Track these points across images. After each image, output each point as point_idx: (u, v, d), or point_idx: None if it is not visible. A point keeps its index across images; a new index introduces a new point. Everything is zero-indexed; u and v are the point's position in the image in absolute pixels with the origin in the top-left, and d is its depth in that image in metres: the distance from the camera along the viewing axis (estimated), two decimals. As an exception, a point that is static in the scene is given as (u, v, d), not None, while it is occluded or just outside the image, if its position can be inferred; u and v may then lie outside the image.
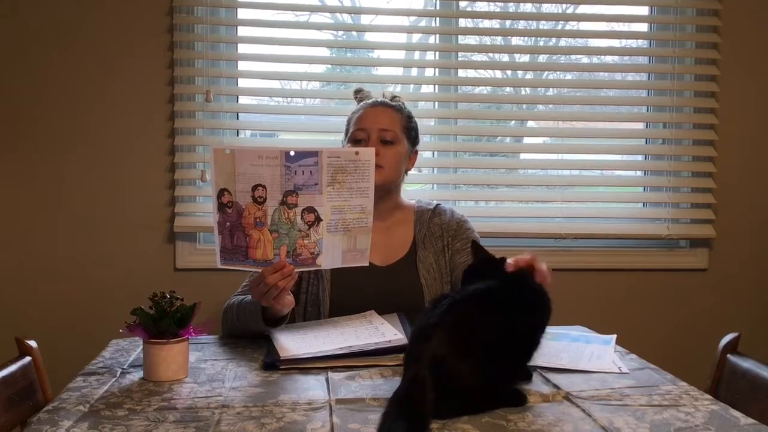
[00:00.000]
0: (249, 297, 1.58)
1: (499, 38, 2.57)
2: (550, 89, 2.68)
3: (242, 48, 2.45)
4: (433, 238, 1.79)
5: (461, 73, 2.56)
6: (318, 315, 1.71)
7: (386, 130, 1.75)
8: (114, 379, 1.31)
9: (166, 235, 2.38)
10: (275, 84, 2.59)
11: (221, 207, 1.40)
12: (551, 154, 2.69)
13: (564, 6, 2.56)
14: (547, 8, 2.53)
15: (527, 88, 2.71)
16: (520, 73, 2.80)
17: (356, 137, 1.76)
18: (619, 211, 2.64)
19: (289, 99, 2.68)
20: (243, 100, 2.49)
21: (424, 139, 2.28)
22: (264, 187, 1.38)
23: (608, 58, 2.59)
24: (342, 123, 1.86)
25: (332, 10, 2.65)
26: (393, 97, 1.85)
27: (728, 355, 1.51)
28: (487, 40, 2.57)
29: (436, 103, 2.55)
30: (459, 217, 1.83)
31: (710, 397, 1.22)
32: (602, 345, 1.51)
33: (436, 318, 1.16)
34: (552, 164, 2.64)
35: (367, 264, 1.51)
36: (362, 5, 2.60)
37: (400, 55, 2.68)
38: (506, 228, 2.44)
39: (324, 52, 2.62)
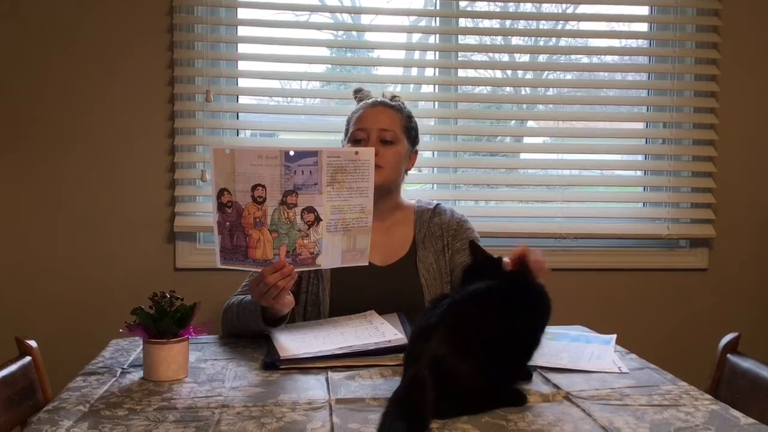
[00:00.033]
0: (249, 297, 1.58)
1: (499, 38, 2.57)
2: (550, 89, 2.68)
3: (242, 48, 2.45)
4: (433, 237, 1.79)
5: (461, 72, 2.56)
6: (318, 315, 1.71)
7: (386, 130, 1.75)
8: (114, 379, 1.31)
9: (166, 234, 2.38)
10: (275, 84, 2.59)
11: (221, 207, 1.40)
12: (551, 153, 2.69)
13: (564, 6, 2.56)
14: (547, 8, 2.53)
15: (527, 88, 2.71)
16: (520, 72, 2.80)
17: (356, 137, 1.76)
18: (619, 210, 2.64)
19: (289, 99, 2.68)
20: (243, 99, 2.49)
21: (424, 138, 2.28)
22: (264, 186, 1.38)
23: (608, 58, 2.59)
24: (342, 123, 1.86)
25: (332, 10, 2.65)
26: (393, 97, 1.85)
27: (728, 355, 1.51)
28: (487, 39, 2.58)
29: (436, 102, 2.55)
30: (459, 217, 1.83)
31: (710, 397, 1.22)
32: (602, 345, 1.51)
33: (436, 318, 1.16)
34: (552, 164, 2.64)
35: (367, 264, 1.51)
36: (362, 5, 2.60)
37: (400, 54, 2.68)
38: (506, 228, 2.44)
39: (324, 51, 2.62)
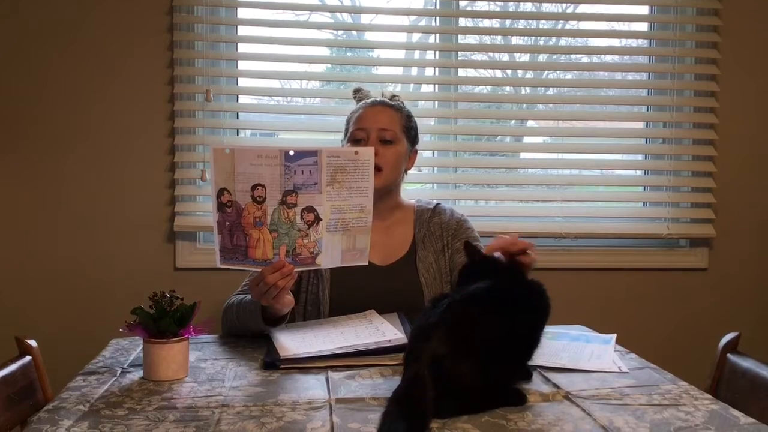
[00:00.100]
0: (249, 296, 1.58)
1: (499, 37, 2.57)
2: (550, 88, 2.68)
3: (242, 47, 2.45)
4: (433, 237, 1.79)
5: (461, 72, 2.56)
6: (318, 314, 1.71)
7: (386, 130, 1.75)
8: (114, 379, 1.31)
9: (166, 234, 2.38)
10: (275, 83, 2.59)
11: (221, 206, 1.40)
12: (551, 153, 2.69)
13: (564, 5, 2.56)
14: (547, 8, 2.53)
15: (527, 88, 2.71)
16: (520, 72, 2.80)
17: (356, 137, 1.76)
18: (619, 210, 2.64)
19: (289, 98, 2.67)
20: (243, 99, 2.49)
21: (424, 138, 2.28)
22: (263, 186, 1.38)
23: (608, 58, 2.59)
24: (342, 122, 1.86)
25: (332, 10, 2.65)
26: (392, 97, 1.85)
27: (728, 355, 1.51)
28: (487, 39, 2.57)
29: (436, 102, 2.55)
30: (459, 217, 1.83)
31: (710, 396, 1.22)
32: (602, 344, 1.51)
33: (436, 317, 1.16)
34: (552, 163, 2.64)
35: (367, 263, 1.52)
36: (362, 5, 2.60)
37: (400, 54, 2.68)
38: (506, 227, 2.44)
39: (324, 51, 2.62)
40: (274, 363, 1.37)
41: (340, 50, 2.69)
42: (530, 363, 1.27)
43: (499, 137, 2.78)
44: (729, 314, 2.52)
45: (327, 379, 1.30)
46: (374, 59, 2.64)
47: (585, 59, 2.58)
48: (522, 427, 1.08)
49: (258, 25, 2.43)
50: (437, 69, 2.56)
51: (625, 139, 2.70)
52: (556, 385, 1.26)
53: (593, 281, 2.51)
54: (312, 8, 2.58)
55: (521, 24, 2.63)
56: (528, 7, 2.54)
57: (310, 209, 1.41)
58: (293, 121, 2.59)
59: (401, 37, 2.61)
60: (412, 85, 2.62)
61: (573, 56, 2.59)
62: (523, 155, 2.76)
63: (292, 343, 1.46)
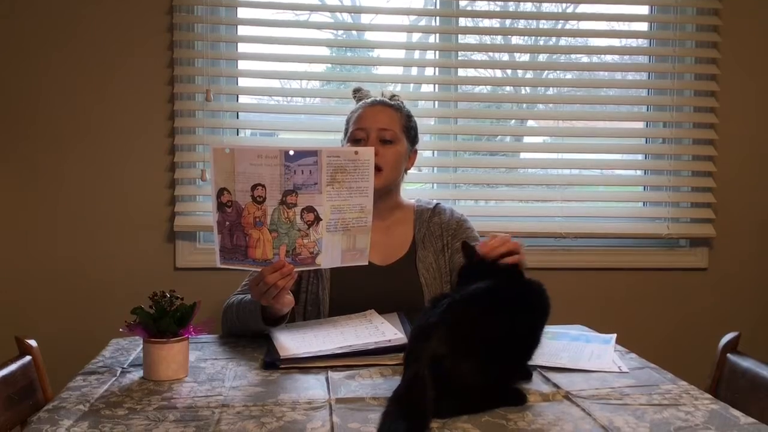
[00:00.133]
0: (248, 296, 1.58)
1: (499, 37, 2.57)
2: (550, 88, 2.68)
3: (242, 47, 2.45)
4: (433, 237, 1.79)
5: (461, 72, 2.56)
6: (318, 314, 1.71)
7: (385, 130, 1.75)
8: (114, 379, 1.31)
9: (166, 234, 2.38)
10: (275, 83, 2.59)
11: (221, 206, 1.40)
12: (551, 153, 2.69)
13: (564, 5, 2.56)
14: (547, 7, 2.53)
15: (527, 88, 2.71)
16: (520, 72, 2.80)
17: (355, 137, 1.76)
18: (619, 210, 2.64)
19: (289, 98, 2.67)
20: (243, 99, 2.49)
21: (424, 138, 2.28)
22: (263, 186, 1.38)
23: (608, 58, 2.59)
24: (342, 122, 1.86)
25: (332, 10, 2.65)
26: (392, 96, 1.85)
27: (728, 355, 1.51)
28: (487, 39, 2.57)
29: (436, 102, 2.55)
30: (459, 217, 1.83)
31: (710, 396, 1.22)
32: (602, 344, 1.51)
33: (436, 317, 1.16)
34: (552, 163, 2.64)
35: (367, 263, 1.52)
36: (362, 4, 2.60)
37: (400, 54, 2.68)
38: (506, 227, 2.44)
39: (324, 51, 2.62)
40: (274, 363, 1.37)
41: (340, 50, 2.69)
42: (530, 363, 1.27)
43: (499, 137, 2.78)
44: (729, 314, 2.53)
45: (327, 379, 1.30)
46: (374, 59, 2.64)
47: (585, 59, 2.58)
48: (522, 426, 1.08)
49: (258, 25, 2.43)
50: (437, 69, 2.56)
51: (625, 138, 2.70)
52: (556, 385, 1.26)
53: (593, 281, 2.51)
54: (312, 8, 2.58)
55: (521, 24, 2.63)
56: (528, 6, 2.54)
57: (310, 209, 1.41)
58: (293, 121, 2.59)
59: (401, 37, 2.61)
60: (412, 84, 2.62)
61: (573, 56, 2.59)
62: (523, 155, 2.76)
63: (292, 343, 1.46)
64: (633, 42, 2.69)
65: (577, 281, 2.48)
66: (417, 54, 2.73)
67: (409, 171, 1.86)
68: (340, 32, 2.70)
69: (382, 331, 1.48)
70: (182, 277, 2.37)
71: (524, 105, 2.66)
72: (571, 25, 2.69)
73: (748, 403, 1.31)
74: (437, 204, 1.86)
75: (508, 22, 2.61)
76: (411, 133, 1.82)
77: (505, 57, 2.67)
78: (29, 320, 2.33)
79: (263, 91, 2.54)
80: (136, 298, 1.37)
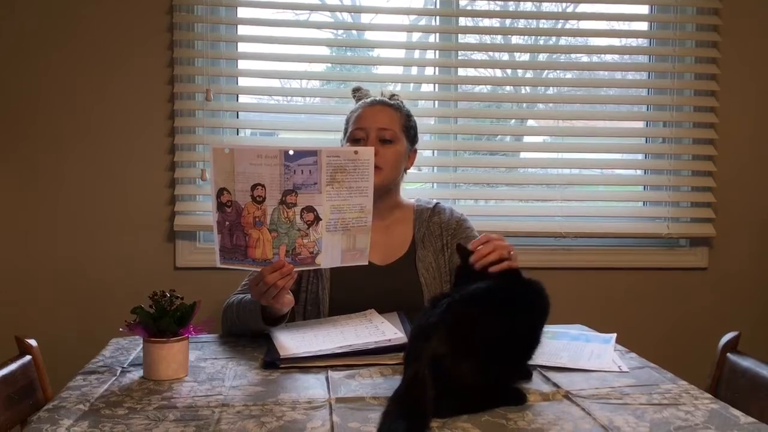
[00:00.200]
0: (248, 296, 1.58)
1: (499, 37, 2.57)
2: (550, 88, 2.68)
3: (242, 47, 2.45)
4: (433, 237, 1.79)
5: (461, 71, 2.56)
6: (318, 314, 1.71)
7: (385, 129, 1.75)
8: (114, 378, 1.31)
9: (166, 233, 2.38)
10: (275, 83, 2.59)
11: (220, 206, 1.40)
12: (551, 152, 2.68)
13: (564, 5, 2.56)
14: (547, 7, 2.53)
15: (527, 87, 2.71)
16: (520, 71, 2.80)
17: (355, 136, 1.76)
18: (619, 209, 2.64)
19: (289, 98, 2.67)
20: (243, 98, 2.49)
21: (424, 138, 2.28)
22: (263, 186, 1.38)
23: (608, 57, 2.59)
24: (341, 122, 1.86)
25: (332, 9, 2.65)
26: (392, 96, 1.85)
27: (728, 354, 1.51)
28: (487, 38, 2.57)
29: (436, 101, 2.55)
30: (458, 216, 1.83)
31: (710, 395, 1.22)
32: (602, 344, 1.51)
33: (436, 317, 1.16)
34: (552, 163, 2.64)
35: (367, 263, 1.51)
36: (362, 4, 2.60)
37: (400, 53, 2.68)
38: (506, 227, 2.44)
39: (324, 50, 2.62)
40: (274, 362, 1.37)
41: (340, 49, 2.69)
42: (530, 362, 1.27)
43: (499, 136, 2.78)
44: (729, 314, 2.52)
45: (327, 379, 1.30)
46: (374, 59, 2.63)
47: (585, 58, 2.58)
48: (522, 426, 1.08)
49: (258, 25, 2.43)
50: (437, 68, 2.56)
51: (625, 138, 2.70)
52: (556, 385, 1.26)
53: (593, 281, 2.51)
54: (312, 7, 2.58)
55: (521, 23, 2.63)
56: (528, 6, 2.54)
57: (309, 209, 1.41)
58: (293, 121, 2.59)
59: (401, 37, 2.61)
60: (412, 84, 2.62)
61: (573, 55, 2.59)
62: (523, 154, 2.76)
63: (292, 342, 1.46)
64: (633, 41, 2.69)
65: (577, 281, 2.48)
66: (417, 53, 2.73)
67: (408, 170, 1.86)
68: (340, 32, 2.70)
69: (382, 330, 1.48)
70: (182, 276, 2.37)
71: (524, 104, 2.66)
72: (571, 24, 2.69)
73: (748, 402, 1.31)
74: (437, 203, 1.86)
75: (508, 21, 2.61)
76: (411, 132, 1.82)
77: (505, 56, 2.67)
78: (29, 320, 2.33)
79: (263, 90, 2.54)
80: (136, 298, 1.37)
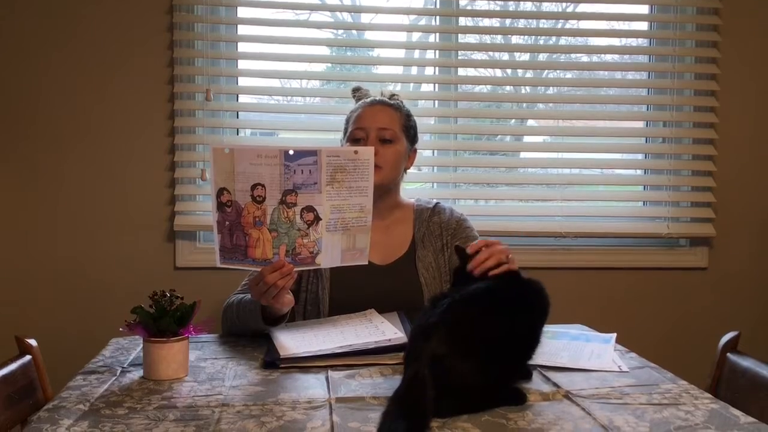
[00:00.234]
0: (248, 296, 1.58)
1: (499, 37, 2.57)
2: (550, 88, 2.68)
3: (242, 47, 2.45)
4: (433, 236, 1.79)
5: (461, 71, 2.56)
6: (318, 314, 1.71)
7: (385, 129, 1.75)
8: (114, 378, 1.31)
9: (166, 233, 2.38)
10: (275, 83, 2.58)
11: (220, 206, 1.40)
12: (551, 152, 2.68)
13: (564, 5, 2.56)
14: (547, 7, 2.53)
15: (527, 87, 2.71)
16: (520, 71, 2.80)
17: (355, 136, 1.76)
18: (619, 209, 2.64)
19: (289, 98, 2.67)
20: (243, 98, 2.49)
21: (424, 137, 2.28)
22: (263, 186, 1.38)
23: (608, 57, 2.59)
24: (341, 121, 1.86)
25: (332, 9, 2.65)
26: (391, 96, 1.85)
27: (728, 354, 1.51)
28: (487, 38, 2.57)
29: (436, 101, 2.55)
30: (458, 216, 1.83)
31: (710, 395, 1.22)
32: (602, 343, 1.51)
33: (436, 317, 1.16)
34: (552, 163, 2.64)
35: (366, 263, 1.52)
36: (362, 4, 2.60)
37: (400, 53, 2.68)
38: (506, 227, 2.44)
39: (324, 50, 2.62)
40: (274, 362, 1.37)
41: (340, 49, 2.69)
42: (530, 362, 1.27)
43: (499, 136, 2.78)
44: (729, 313, 2.52)
45: (327, 379, 1.30)
46: (374, 58, 2.63)
47: (585, 58, 2.58)
48: (522, 426, 1.08)
49: (258, 25, 2.43)
50: (437, 68, 2.56)
51: (625, 138, 2.70)
52: (556, 385, 1.26)
53: (593, 280, 2.51)
54: (312, 7, 2.58)
55: (521, 23, 2.63)
56: (528, 6, 2.54)
57: (309, 209, 1.41)
58: (293, 121, 2.59)
59: (401, 37, 2.61)
60: (412, 84, 2.62)
61: (573, 55, 2.59)
62: (523, 154, 2.76)
63: (292, 342, 1.46)
64: (633, 41, 2.69)
65: (577, 280, 2.48)
66: (417, 53, 2.73)
67: (408, 170, 1.86)
68: (340, 31, 2.70)
69: (382, 330, 1.48)
70: (182, 276, 2.37)
71: (524, 104, 2.66)
72: (571, 24, 2.69)
73: (748, 402, 1.31)
74: (437, 203, 1.86)
75: (508, 21, 2.61)
76: (410, 132, 1.82)
77: (505, 56, 2.67)
78: (29, 320, 2.33)
79: (263, 90, 2.54)
80: (136, 298, 1.37)
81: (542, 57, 2.64)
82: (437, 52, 2.55)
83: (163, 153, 2.37)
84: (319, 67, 2.60)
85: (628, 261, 2.52)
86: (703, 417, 1.11)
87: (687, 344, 2.50)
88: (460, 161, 2.55)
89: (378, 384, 1.26)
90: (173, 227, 2.36)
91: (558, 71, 2.66)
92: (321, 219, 1.42)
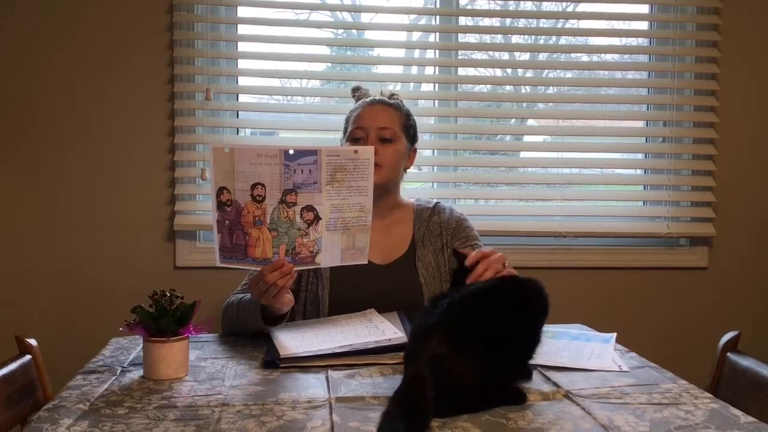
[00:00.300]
0: (248, 295, 1.58)
1: (499, 36, 2.57)
2: (551, 87, 2.68)
3: (242, 46, 2.45)
4: (432, 236, 1.79)
5: (461, 71, 2.56)
6: (317, 313, 1.71)
7: (385, 129, 1.75)
8: (114, 378, 1.31)
9: (166, 233, 2.38)
10: (275, 82, 2.58)
11: (220, 205, 1.40)
12: (551, 152, 2.69)
13: (564, 4, 2.56)
14: (547, 6, 2.53)
15: (527, 87, 2.71)
16: (520, 71, 2.80)
17: (355, 136, 1.76)
18: (619, 209, 2.64)
19: (289, 97, 2.67)
20: (243, 98, 2.49)
21: (424, 137, 2.28)
22: (263, 185, 1.38)
23: (608, 57, 2.59)
24: (341, 121, 1.86)
25: (332, 9, 2.64)
26: (391, 95, 1.85)
27: (728, 354, 1.51)
28: (487, 38, 2.57)
29: (436, 101, 2.55)
30: (458, 216, 1.83)
31: (710, 395, 1.22)
32: (602, 343, 1.51)
33: (436, 317, 1.16)
34: (552, 162, 2.64)
35: (366, 262, 1.52)
36: (362, 3, 2.60)
37: (400, 53, 2.68)
38: (506, 226, 2.44)
39: (324, 50, 2.62)
40: (274, 362, 1.37)
41: (340, 49, 2.69)
42: (530, 362, 1.27)
43: (499, 136, 2.78)
44: (729, 313, 2.52)
45: (327, 378, 1.30)
46: (374, 58, 2.63)
47: (585, 58, 2.58)
48: (522, 426, 1.08)
49: (258, 24, 2.43)
50: (437, 68, 2.56)
51: (625, 137, 2.70)
52: (556, 384, 1.26)
53: (593, 280, 2.51)
54: (312, 7, 2.58)
55: (521, 23, 2.63)
56: (528, 5, 2.54)
57: (309, 208, 1.41)
58: (293, 120, 2.59)
59: (401, 36, 2.61)
60: (412, 83, 2.62)
61: (573, 55, 2.59)
62: (523, 154, 2.76)
63: (292, 342, 1.46)
64: (633, 41, 2.69)
65: (577, 280, 2.48)
66: (417, 53, 2.73)
67: (408, 170, 1.86)
68: (340, 31, 2.70)
69: (382, 330, 1.48)
70: (182, 276, 2.37)
71: (524, 104, 2.66)
72: (572, 24, 2.69)
73: (748, 402, 1.31)
74: (437, 203, 1.85)
75: (508, 21, 2.61)
76: (410, 131, 1.82)
77: (505, 56, 2.67)
78: (29, 320, 2.33)
79: (263, 90, 2.54)
80: (136, 297, 1.37)
81: (542, 56, 2.64)
82: (437, 51, 2.55)
83: (163, 152, 2.37)
84: (319, 67, 2.60)
85: (628, 261, 2.52)
86: (703, 417, 1.11)
87: (687, 344, 2.50)
88: (460, 161, 2.55)
89: (378, 384, 1.26)
90: (173, 227, 2.36)
91: (558, 71, 2.66)
92: (321, 218, 1.42)
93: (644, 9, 2.58)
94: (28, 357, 1.43)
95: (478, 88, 2.64)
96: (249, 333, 1.59)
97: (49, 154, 2.33)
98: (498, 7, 2.63)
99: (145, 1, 2.33)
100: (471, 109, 2.60)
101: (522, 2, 2.54)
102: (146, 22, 2.33)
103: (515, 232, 2.44)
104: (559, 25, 2.71)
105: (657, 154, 2.57)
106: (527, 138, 2.78)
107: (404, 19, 2.55)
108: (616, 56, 2.61)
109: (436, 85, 2.54)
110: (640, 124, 2.65)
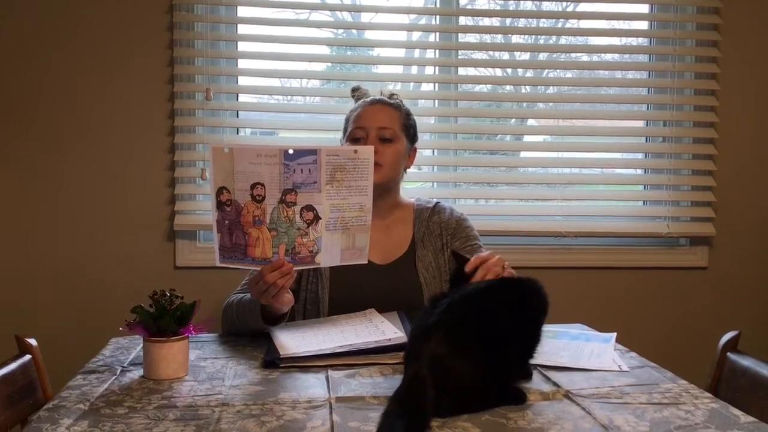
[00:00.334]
0: (248, 295, 1.58)
1: (499, 36, 2.57)
2: (551, 87, 2.68)
3: (242, 46, 2.45)
4: (432, 236, 1.79)
5: (461, 71, 2.56)
6: (317, 313, 1.71)
7: (385, 128, 1.75)
8: (114, 378, 1.31)
9: (165, 233, 2.38)
10: (275, 82, 2.58)
11: (220, 205, 1.40)
12: (551, 152, 2.69)
13: (564, 4, 2.56)
14: (547, 6, 2.54)
15: (527, 86, 2.71)
16: (520, 71, 2.80)
17: (355, 135, 1.76)
18: (619, 209, 2.64)
19: (289, 97, 2.67)
20: (243, 98, 2.49)
21: (424, 137, 2.28)
22: (263, 185, 1.38)
23: (608, 56, 2.59)
24: (341, 121, 1.86)
25: (332, 8, 2.64)
26: (391, 95, 1.85)
27: (728, 354, 1.51)
28: (487, 38, 2.57)
29: (436, 101, 2.55)
30: (458, 216, 1.83)
31: (710, 395, 1.22)
32: (602, 343, 1.51)
33: (436, 317, 1.16)
34: (552, 162, 2.64)
35: (366, 262, 1.52)
36: (362, 3, 2.60)
37: (400, 53, 2.68)
38: (506, 226, 2.44)
39: (324, 50, 2.62)
40: (274, 362, 1.37)
41: (340, 49, 2.69)
42: (530, 362, 1.27)
43: (499, 136, 2.77)
44: (729, 313, 2.52)
45: (327, 378, 1.30)
46: (374, 58, 2.63)
47: (585, 58, 2.58)
48: (522, 425, 1.08)
49: (258, 24, 2.43)
50: (437, 68, 2.55)
51: (625, 137, 2.70)
52: (556, 384, 1.26)
53: (593, 280, 2.51)
54: (312, 7, 2.58)
55: (521, 23, 2.63)
56: (528, 5, 2.54)
57: (309, 208, 1.41)
58: (293, 120, 2.59)
59: (401, 36, 2.61)
60: (412, 83, 2.62)
61: (573, 55, 2.58)
62: (523, 154, 2.76)
63: (292, 341, 1.46)
64: (633, 41, 2.69)
65: (577, 280, 2.48)
66: (417, 53, 2.73)
67: (408, 170, 1.86)
68: (340, 31, 2.70)
69: (382, 330, 1.48)
70: (182, 275, 2.37)
71: (524, 104, 2.66)
72: (572, 23, 2.69)
73: (748, 402, 1.31)
74: (437, 203, 1.85)
75: (508, 20, 2.60)
76: (410, 131, 1.82)
77: (506, 56, 2.67)
78: (29, 320, 2.33)
79: (263, 89, 2.54)
80: (136, 297, 1.37)
81: (542, 56, 2.64)
82: (437, 51, 2.55)
83: (163, 152, 2.37)
84: (319, 67, 2.60)
85: (628, 260, 2.52)
86: (703, 416, 1.11)
87: (687, 344, 2.50)
88: (460, 161, 2.55)
89: (378, 384, 1.26)
90: (173, 227, 2.36)
91: (558, 70, 2.66)
92: (320, 218, 1.42)
93: (644, 9, 2.58)
94: (28, 357, 1.43)
95: (478, 87, 2.64)
96: (249, 333, 1.59)
97: (49, 154, 2.33)
98: (498, 7, 2.63)
99: (145, 1, 2.33)
100: (471, 108, 2.60)
101: (522, 2, 2.54)
102: (146, 22, 2.33)
103: (515, 232, 2.44)
104: (559, 25, 2.71)
105: (657, 153, 2.57)
106: (527, 138, 2.78)
107: (404, 19, 2.55)
108: (616, 56, 2.61)
109: (436, 84, 2.54)
110: (640, 123, 2.65)
